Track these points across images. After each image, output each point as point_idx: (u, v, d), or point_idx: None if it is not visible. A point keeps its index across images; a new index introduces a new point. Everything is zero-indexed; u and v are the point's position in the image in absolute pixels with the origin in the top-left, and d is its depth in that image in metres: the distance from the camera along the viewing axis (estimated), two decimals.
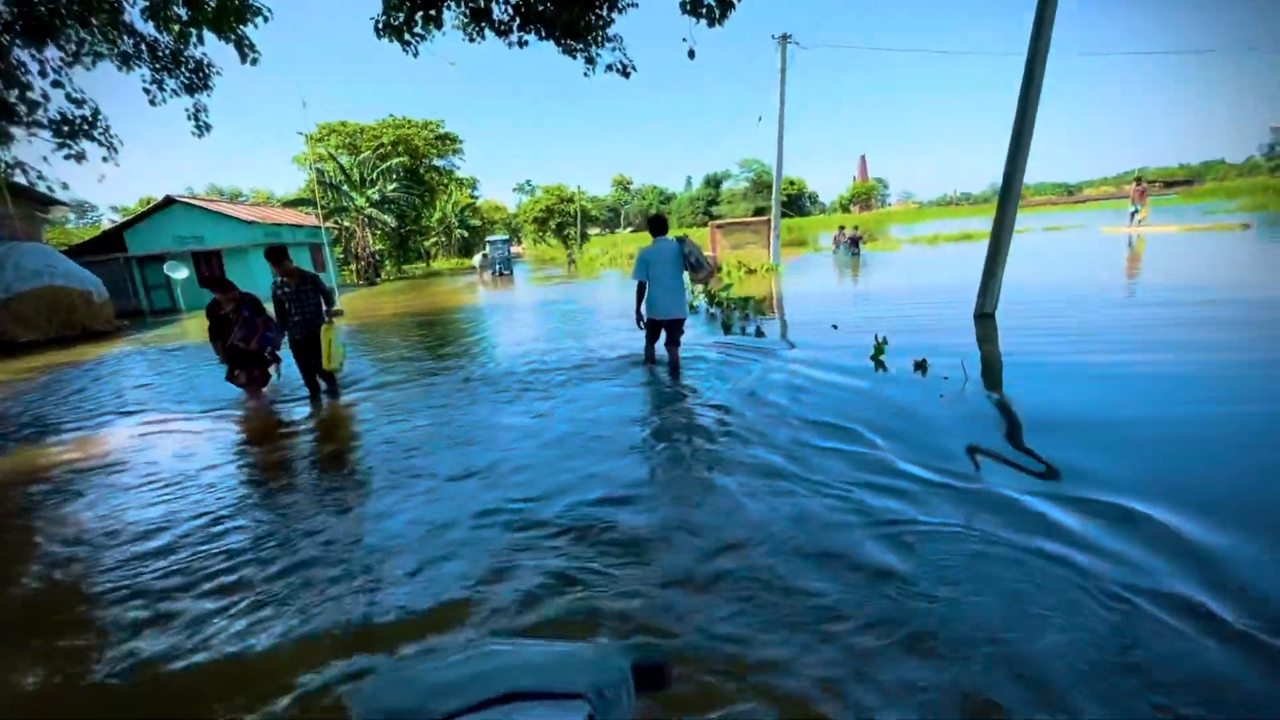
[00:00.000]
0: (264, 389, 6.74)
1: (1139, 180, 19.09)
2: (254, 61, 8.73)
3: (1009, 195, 7.18)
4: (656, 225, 6.11)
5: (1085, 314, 7.13)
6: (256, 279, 23.91)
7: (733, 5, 5.92)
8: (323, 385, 6.51)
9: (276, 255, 5.98)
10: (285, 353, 6.62)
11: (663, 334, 6.23)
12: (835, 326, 7.64)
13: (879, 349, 5.64)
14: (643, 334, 6.44)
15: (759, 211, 66.78)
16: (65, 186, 19.24)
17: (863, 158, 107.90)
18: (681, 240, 5.98)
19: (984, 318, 7.33)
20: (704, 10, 5.95)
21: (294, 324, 6.05)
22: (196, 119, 10.15)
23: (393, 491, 3.73)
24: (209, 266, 23.48)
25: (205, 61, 9.75)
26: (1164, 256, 12.61)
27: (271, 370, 6.80)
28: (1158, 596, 2.20)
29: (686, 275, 6.06)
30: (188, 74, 9.78)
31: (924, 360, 5.28)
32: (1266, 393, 4.15)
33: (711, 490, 3.35)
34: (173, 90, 9.86)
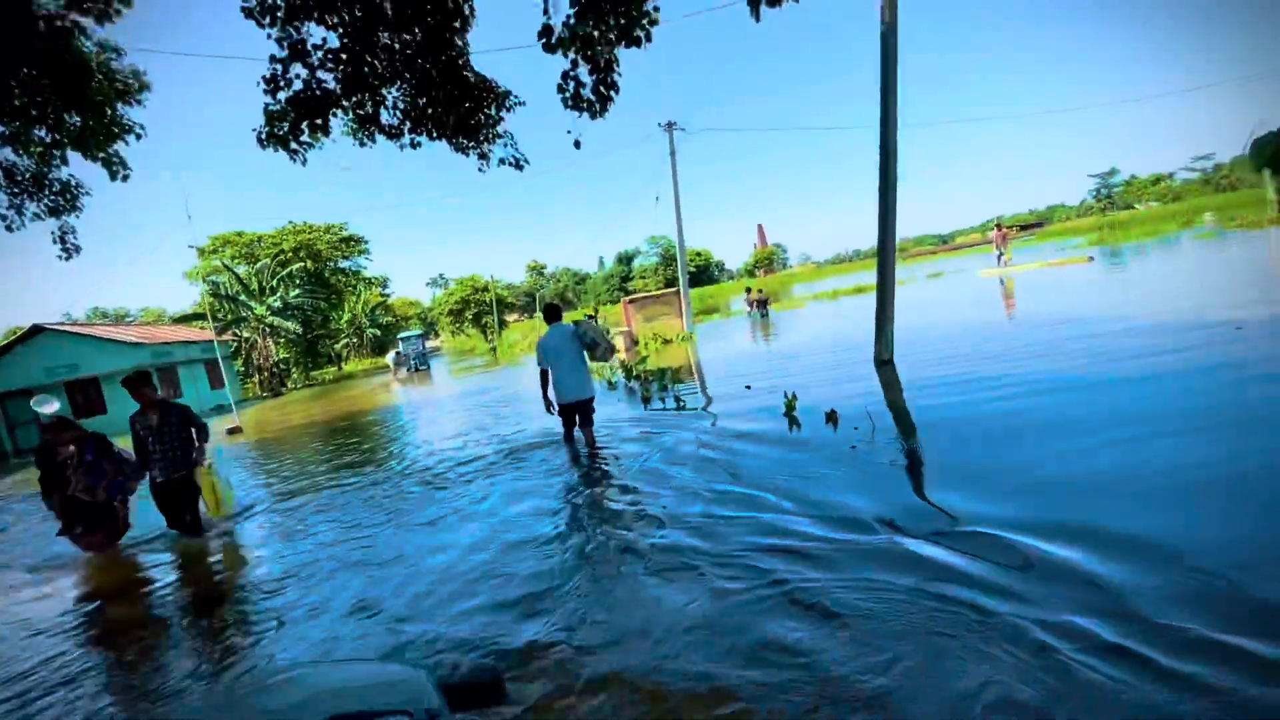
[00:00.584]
0: (116, 541, 5.53)
1: (998, 226, 21.38)
2: (125, 178, 8.38)
3: (885, 249, 7.79)
4: (550, 313, 6.50)
5: (974, 353, 7.68)
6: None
7: (611, 99, 6.28)
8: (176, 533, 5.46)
9: (133, 384, 5.23)
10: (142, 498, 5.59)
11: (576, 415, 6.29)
12: (749, 387, 7.82)
13: (790, 405, 5.79)
14: (555, 416, 6.40)
15: (670, 283, 69.34)
16: None
17: (760, 226, 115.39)
18: (577, 323, 6.28)
19: (883, 364, 7.74)
20: (585, 104, 6.28)
21: (155, 463, 5.18)
22: (63, 241, 9.52)
23: (261, 643, 3.31)
24: (85, 397, 21.44)
25: (72, 182, 9.24)
26: (1032, 291, 13.99)
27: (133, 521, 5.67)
28: (1063, 632, 2.23)
29: (586, 356, 6.26)
30: (52, 196, 9.22)
31: (834, 412, 5.45)
32: (1145, 416, 4.53)
33: (619, 580, 3.19)
34: (34, 214, 9.23)
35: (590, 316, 28.52)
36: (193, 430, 5.40)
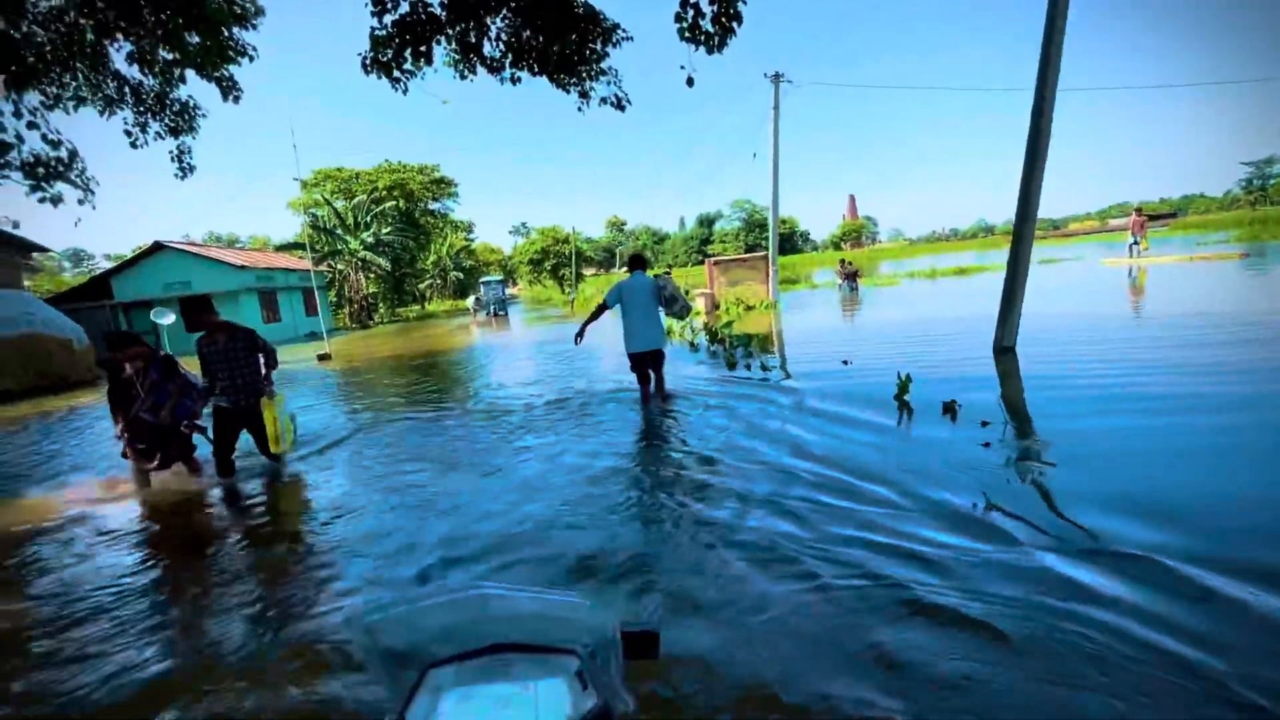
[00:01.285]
0: (187, 465, 5.26)
1: (1139, 211, 19.05)
2: (236, 99, 8.52)
3: (1025, 226, 6.86)
4: (635, 262, 6.52)
5: (1113, 347, 6.72)
6: (245, 324, 23.51)
7: (733, 32, 5.69)
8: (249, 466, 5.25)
9: (194, 307, 4.84)
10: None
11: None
12: (847, 363, 7.20)
13: (903, 387, 5.18)
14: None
15: (751, 249, 67.34)
16: (16, 225, 18.57)
17: (851, 197, 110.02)
18: (658, 276, 6.27)
19: (1004, 352, 6.92)
20: (703, 37, 5.71)
21: (223, 388, 4.88)
22: (180, 160, 9.91)
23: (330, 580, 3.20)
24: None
25: (191, 104, 9.55)
26: (1171, 286, 12.35)
27: (197, 442, 5.33)
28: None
29: (663, 311, 6.26)
30: (172, 116, 9.57)
31: (954, 402, 4.81)
32: None
33: (703, 569, 2.83)
34: (156, 133, 9.63)
35: (666, 272, 28.37)
36: (260, 357, 5.02)
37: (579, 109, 7.96)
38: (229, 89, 8.41)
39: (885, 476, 3.61)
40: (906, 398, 5.13)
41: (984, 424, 4.39)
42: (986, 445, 3.95)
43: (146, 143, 9.57)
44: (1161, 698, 1.79)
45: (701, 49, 5.78)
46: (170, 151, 9.70)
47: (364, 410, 7.91)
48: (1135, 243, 18.17)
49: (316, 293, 21.13)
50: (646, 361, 6.24)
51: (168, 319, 21.72)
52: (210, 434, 5.12)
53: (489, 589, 0.67)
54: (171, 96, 9.39)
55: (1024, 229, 6.87)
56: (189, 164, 9.87)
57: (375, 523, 3.80)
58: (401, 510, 3.98)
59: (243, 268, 23.54)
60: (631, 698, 0.63)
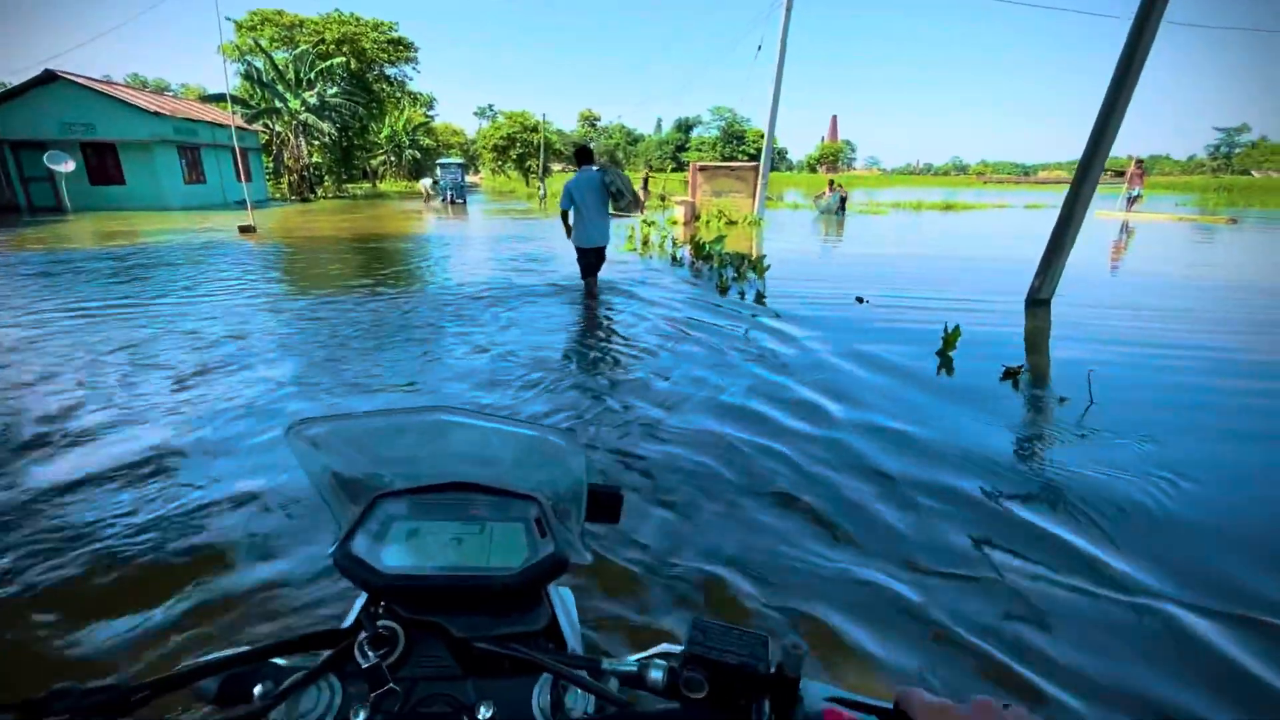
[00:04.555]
0: None
1: (1139, 163, 18.28)
2: None
3: (1091, 169, 5.81)
4: (582, 155, 6.25)
5: (1159, 309, 5.99)
6: (162, 182, 20.69)
7: None
8: None
9: None
10: None
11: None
12: (862, 300, 6.26)
13: (950, 341, 4.28)
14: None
15: (728, 160, 64.48)
16: None
17: (834, 118, 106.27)
18: (603, 170, 6.00)
19: (1038, 304, 6.11)
20: None
21: None
22: None
23: None
24: (101, 162, 20.07)
25: None
26: (1181, 247, 11.80)
27: None
28: None
29: (610, 206, 6.05)
30: None
31: (1018, 369, 3.94)
32: None
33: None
34: None
35: (646, 174, 27.52)
36: None
37: None
38: None
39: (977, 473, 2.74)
40: (952, 354, 4.25)
41: (1061, 400, 3.54)
42: (1083, 437, 3.08)
43: None
44: None
45: None
46: None
47: (282, 298, 6.54)
48: (1135, 195, 17.45)
49: (250, 155, 18.52)
50: (596, 254, 6.28)
51: (66, 165, 18.83)
52: None
53: (452, 415, 0.57)
54: None
55: (1088, 177, 5.82)
56: None
57: None
58: None
59: (158, 115, 20.31)
60: (588, 552, 0.58)
